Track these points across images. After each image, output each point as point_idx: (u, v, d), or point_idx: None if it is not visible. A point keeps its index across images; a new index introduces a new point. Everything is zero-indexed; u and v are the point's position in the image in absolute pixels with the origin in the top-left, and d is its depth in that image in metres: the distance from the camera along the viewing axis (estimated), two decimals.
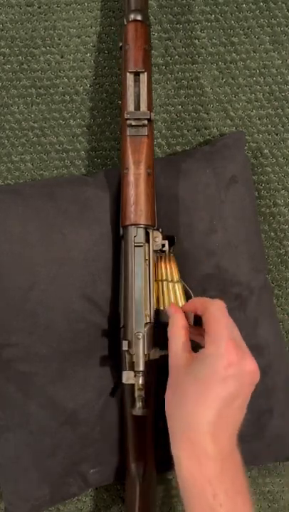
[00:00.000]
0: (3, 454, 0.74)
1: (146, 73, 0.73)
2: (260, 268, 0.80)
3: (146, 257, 0.70)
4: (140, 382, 0.66)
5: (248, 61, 0.88)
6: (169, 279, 0.72)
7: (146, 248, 0.71)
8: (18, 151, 0.87)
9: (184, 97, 0.88)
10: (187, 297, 0.71)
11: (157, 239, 0.72)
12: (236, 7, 0.88)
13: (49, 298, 0.73)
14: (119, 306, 0.73)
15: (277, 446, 0.78)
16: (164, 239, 0.72)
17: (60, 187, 0.78)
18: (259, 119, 0.88)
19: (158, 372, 0.71)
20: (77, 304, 0.73)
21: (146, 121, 0.72)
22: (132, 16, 0.75)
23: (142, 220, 0.70)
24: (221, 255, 0.77)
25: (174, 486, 0.84)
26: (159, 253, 0.72)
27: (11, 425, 0.74)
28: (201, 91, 0.88)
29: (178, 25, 0.88)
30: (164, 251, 0.72)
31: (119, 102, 0.86)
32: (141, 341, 0.68)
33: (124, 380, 0.68)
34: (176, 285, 0.72)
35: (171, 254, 0.73)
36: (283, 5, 0.88)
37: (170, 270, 0.72)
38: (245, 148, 0.84)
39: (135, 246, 0.70)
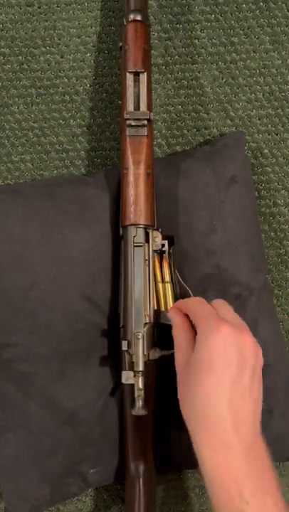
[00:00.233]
0: (3, 454, 0.74)
1: (145, 73, 0.73)
2: (260, 268, 0.80)
3: (146, 257, 0.70)
4: (140, 382, 0.66)
5: (248, 61, 0.88)
6: (158, 280, 0.72)
7: (146, 248, 0.71)
8: (18, 151, 0.87)
9: (184, 97, 0.88)
10: (183, 297, 0.71)
11: (157, 239, 0.72)
12: (236, 7, 0.88)
13: (49, 298, 0.73)
14: (118, 306, 0.73)
15: (277, 446, 0.78)
16: (163, 239, 0.72)
17: (60, 187, 0.78)
18: (259, 119, 0.88)
19: (158, 372, 0.71)
20: (77, 303, 0.74)
21: (145, 122, 0.72)
22: (131, 16, 0.75)
23: (142, 220, 0.70)
24: (220, 255, 0.77)
25: (174, 486, 0.84)
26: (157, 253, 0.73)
27: (11, 425, 0.74)
28: (201, 91, 0.88)
29: (178, 25, 0.88)
30: (164, 251, 0.72)
31: (119, 102, 0.86)
32: (140, 341, 0.68)
33: (124, 380, 0.68)
34: (166, 285, 0.72)
35: (165, 255, 0.72)
36: (283, 5, 0.87)
37: (162, 270, 0.72)
38: (245, 148, 0.84)
39: (135, 246, 0.70)
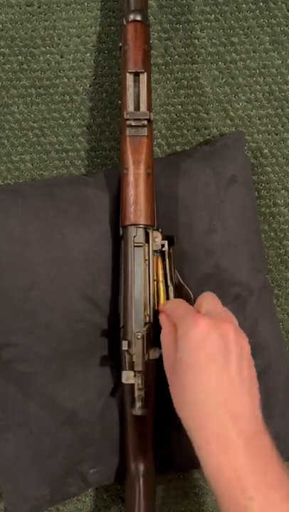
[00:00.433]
0: (3, 454, 0.74)
1: (145, 73, 0.73)
2: (260, 268, 0.80)
3: (146, 257, 0.70)
4: (140, 382, 0.66)
5: (248, 61, 0.88)
6: (159, 279, 0.72)
7: (146, 248, 0.71)
8: (17, 151, 0.87)
9: (184, 97, 0.88)
10: (186, 298, 0.71)
11: (157, 239, 0.72)
12: (236, 7, 0.88)
13: (49, 298, 0.73)
14: (118, 306, 0.73)
15: (277, 446, 0.78)
16: (163, 239, 0.72)
17: (60, 187, 0.78)
18: (259, 119, 0.88)
19: (158, 371, 0.71)
20: (77, 303, 0.74)
21: (145, 122, 0.72)
22: (131, 17, 0.75)
23: (142, 220, 0.70)
24: (220, 255, 0.77)
25: (174, 486, 0.84)
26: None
27: (11, 425, 0.74)
28: (201, 91, 0.88)
29: (178, 25, 0.88)
30: (164, 251, 0.72)
31: (119, 102, 0.86)
32: (140, 341, 0.68)
33: (124, 380, 0.68)
34: (159, 284, 0.72)
35: (158, 254, 0.72)
36: (283, 5, 0.87)
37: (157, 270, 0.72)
38: (245, 148, 0.84)
39: (135, 246, 0.70)
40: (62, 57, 0.87)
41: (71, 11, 0.87)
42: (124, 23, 0.75)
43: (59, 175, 0.88)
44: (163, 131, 0.88)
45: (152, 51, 0.86)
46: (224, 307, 0.65)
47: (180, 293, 0.72)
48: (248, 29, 0.88)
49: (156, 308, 0.71)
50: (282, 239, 0.87)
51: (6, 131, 0.87)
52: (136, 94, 0.73)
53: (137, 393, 0.66)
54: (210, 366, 0.58)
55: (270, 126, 0.88)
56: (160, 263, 0.72)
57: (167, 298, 0.72)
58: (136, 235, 0.70)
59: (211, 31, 0.88)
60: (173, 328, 0.64)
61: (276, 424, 0.78)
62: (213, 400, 0.57)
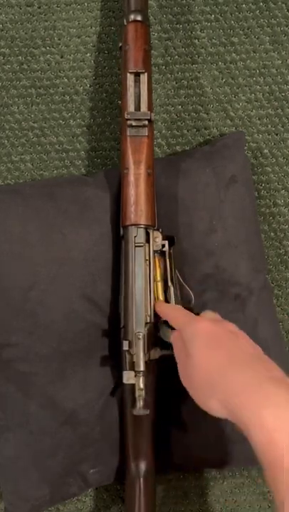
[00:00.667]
0: (3, 454, 0.74)
1: (146, 74, 0.73)
2: (260, 268, 0.80)
3: (147, 257, 0.70)
4: (141, 382, 0.66)
5: (248, 61, 0.88)
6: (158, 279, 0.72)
7: (147, 248, 0.71)
8: (18, 151, 0.87)
9: (184, 97, 0.88)
10: (186, 298, 0.71)
11: (157, 239, 0.72)
12: (236, 7, 0.88)
13: (49, 298, 0.73)
14: (119, 306, 0.73)
15: None
16: (164, 239, 0.72)
17: (60, 187, 0.78)
18: (259, 119, 0.88)
19: (159, 371, 0.71)
20: (77, 304, 0.74)
21: (146, 122, 0.72)
22: (132, 17, 0.75)
23: (142, 220, 0.70)
24: (220, 255, 0.77)
25: (173, 486, 0.84)
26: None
27: (11, 425, 0.74)
28: (201, 91, 0.88)
29: (178, 25, 0.88)
30: (164, 251, 0.72)
31: (119, 102, 0.86)
32: (141, 341, 0.68)
33: (125, 380, 0.68)
34: (157, 284, 0.72)
35: (155, 254, 0.72)
36: (283, 5, 0.88)
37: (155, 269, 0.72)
38: (245, 148, 0.84)
39: (135, 246, 0.70)
40: (62, 57, 0.87)
41: (71, 11, 0.87)
42: (125, 23, 0.75)
43: (59, 175, 0.88)
44: (163, 131, 0.88)
45: (152, 51, 0.86)
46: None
47: (180, 293, 0.72)
48: (248, 29, 0.88)
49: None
50: (282, 239, 0.87)
51: (6, 131, 0.87)
52: (136, 94, 0.73)
53: (137, 393, 0.66)
54: (210, 339, 0.59)
55: (270, 126, 0.88)
56: (161, 263, 0.72)
57: (167, 298, 0.72)
58: (136, 235, 0.70)
59: (211, 31, 0.88)
60: (178, 333, 0.64)
61: None
62: (240, 374, 0.56)
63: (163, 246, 0.72)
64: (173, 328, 0.66)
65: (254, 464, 0.82)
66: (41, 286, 0.73)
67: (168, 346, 0.69)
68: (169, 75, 0.88)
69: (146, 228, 0.71)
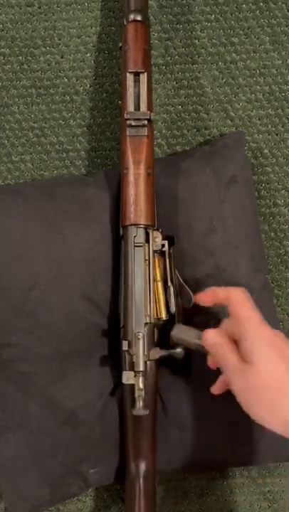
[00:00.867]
0: (3, 454, 0.74)
1: (146, 73, 0.73)
2: (260, 268, 0.80)
3: (146, 257, 0.70)
4: (140, 382, 0.66)
5: (248, 61, 0.88)
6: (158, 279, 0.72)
7: (146, 248, 0.71)
8: (18, 151, 0.87)
9: (184, 97, 0.88)
10: (186, 298, 0.71)
11: (157, 239, 0.72)
12: (236, 7, 0.88)
13: (49, 298, 0.73)
14: (119, 306, 0.73)
15: (277, 446, 0.78)
16: (163, 239, 0.72)
17: (60, 187, 0.78)
18: (259, 119, 0.88)
19: (159, 372, 0.71)
20: (78, 304, 0.74)
21: (146, 122, 0.72)
22: (131, 16, 0.75)
23: (142, 220, 0.70)
24: (220, 255, 0.77)
25: (174, 486, 0.84)
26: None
27: (11, 425, 0.74)
28: (201, 91, 0.88)
29: (178, 25, 0.88)
30: (164, 251, 0.72)
31: (120, 102, 0.86)
32: (141, 341, 0.68)
33: (125, 380, 0.68)
34: (157, 284, 0.72)
35: (155, 254, 0.72)
36: (283, 5, 0.87)
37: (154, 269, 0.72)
38: (245, 148, 0.84)
39: (135, 246, 0.70)
40: (62, 57, 0.87)
41: (71, 11, 0.87)
42: (125, 23, 0.75)
43: (59, 175, 0.88)
44: (163, 131, 0.88)
45: (153, 51, 0.86)
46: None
47: (180, 293, 0.72)
48: (248, 29, 0.88)
49: (155, 308, 0.71)
50: (282, 239, 0.87)
51: (7, 132, 0.87)
52: (136, 94, 0.73)
53: (137, 393, 0.66)
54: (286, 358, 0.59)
55: (270, 126, 0.88)
56: (160, 263, 0.72)
57: (167, 298, 0.72)
58: (136, 235, 0.70)
59: (212, 31, 0.88)
60: (231, 343, 0.63)
61: None
62: None
63: (163, 246, 0.72)
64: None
65: (254, 464, 0.82)
66: (41, 286, 0.73)
67: (168, 347, 0.70)
68: (169, 75, 0.88)
69: (146, 228, 0.71)
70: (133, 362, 0.67)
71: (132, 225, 0.70)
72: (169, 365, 0.74)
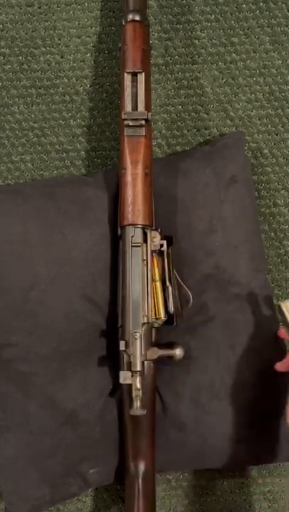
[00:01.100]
0: (3, 454, 0.75)
1: (143, 73, 0.73)
2: (260, 268, 0.80)
3: (144, 257, 0.70)
4: (137, 382, 0.66)
5: (248, 61, 0.88)
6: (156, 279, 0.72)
7: (144, 248, 0.71)
8: (18, 151, 0.87)
9: (184, 97, 0.88)
10: (185, 298, 0.71)
11: (155, 239, 0.72)
12: (236, 7, 0.88)
13: (49, 298, 0.73)
14: (117, 306, 0.73)
15: (277, 447, 0.78)
16: (162, 239, 0.72)
17: (60, 187, 0.78)
18: (259, 119, 0.88)
19: (157, 372, 0.71)
20: (78, 304, 0.74)
21: (143, 122, 0.72)
22: (130, 17, 0.74)
23: (140, 220, 0.70)
24: (220, 255, 0.77)
25: (173, 486, 0.84)
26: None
27: (11, 425, 0.74)
28: (201, 91, 0.88)
29: (178, 26, 0.88)
30: (163, 251, 0.72)
31: (119, 102, 0.86)
32: (138, 341, 0.68)
33: (122, 380, 0.68)
34: (156, 284, 0.72)
35: (153, 254, 0.72)
36: (283, 5, 0.87)
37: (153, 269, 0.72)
38: (245, 148, 0.84)
39: (133, 246, 0.70)
40: (62, 57, 0.88)
41: (71, 12, 0.88)
42: (123, 23, 0.75)
43: (59, 175, 0.88)
44: (163, 131, 0.88)
45: (152, 51, 0.86)
46: None
47: (179, 293, 0.72)
48: (248, 29, 0.88)
49: (153, 308, 0.71)
50: (282, 239, 0.87)
51: (7, 132, 0.87)
52: (134, 94, 0.73)
53: (134, 393, 0.66)
54: None
55: (270, 126, 0.88)
56: (159, 263, 0.72)
57: (165, 298, 0.72)
58: (134, 235, 0.70)
59: (212, 31, 0.88)
60: None
61: (276, 424, 0.77)
62: None
63: (161, 246, 0.72)
64: None
65: (254, 464, 0.82)
66: (41, 286, 0.73)
67: (168, 347, 0.70)
68: (169, 75, 0.88)
69: (144, 228, 0.71)
70: (130, 362, 0.68)
71: (129, 225, 0.70)
72: (169, 365, 0.74)
